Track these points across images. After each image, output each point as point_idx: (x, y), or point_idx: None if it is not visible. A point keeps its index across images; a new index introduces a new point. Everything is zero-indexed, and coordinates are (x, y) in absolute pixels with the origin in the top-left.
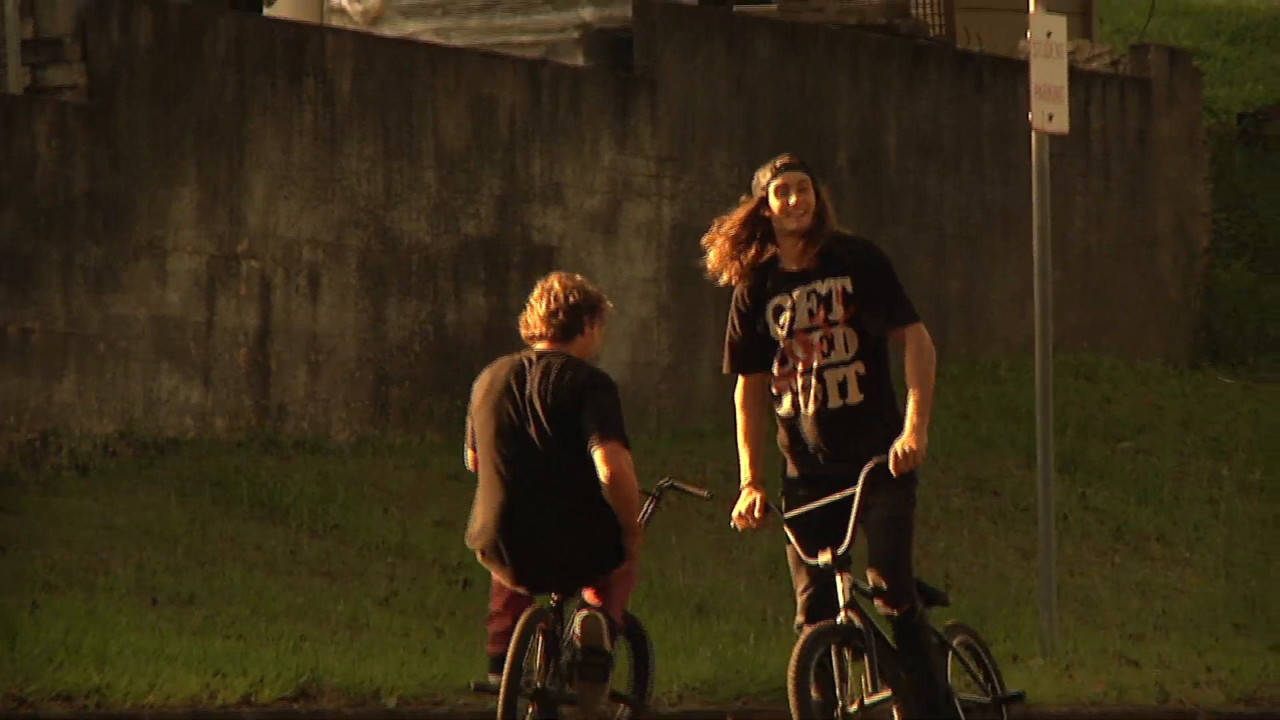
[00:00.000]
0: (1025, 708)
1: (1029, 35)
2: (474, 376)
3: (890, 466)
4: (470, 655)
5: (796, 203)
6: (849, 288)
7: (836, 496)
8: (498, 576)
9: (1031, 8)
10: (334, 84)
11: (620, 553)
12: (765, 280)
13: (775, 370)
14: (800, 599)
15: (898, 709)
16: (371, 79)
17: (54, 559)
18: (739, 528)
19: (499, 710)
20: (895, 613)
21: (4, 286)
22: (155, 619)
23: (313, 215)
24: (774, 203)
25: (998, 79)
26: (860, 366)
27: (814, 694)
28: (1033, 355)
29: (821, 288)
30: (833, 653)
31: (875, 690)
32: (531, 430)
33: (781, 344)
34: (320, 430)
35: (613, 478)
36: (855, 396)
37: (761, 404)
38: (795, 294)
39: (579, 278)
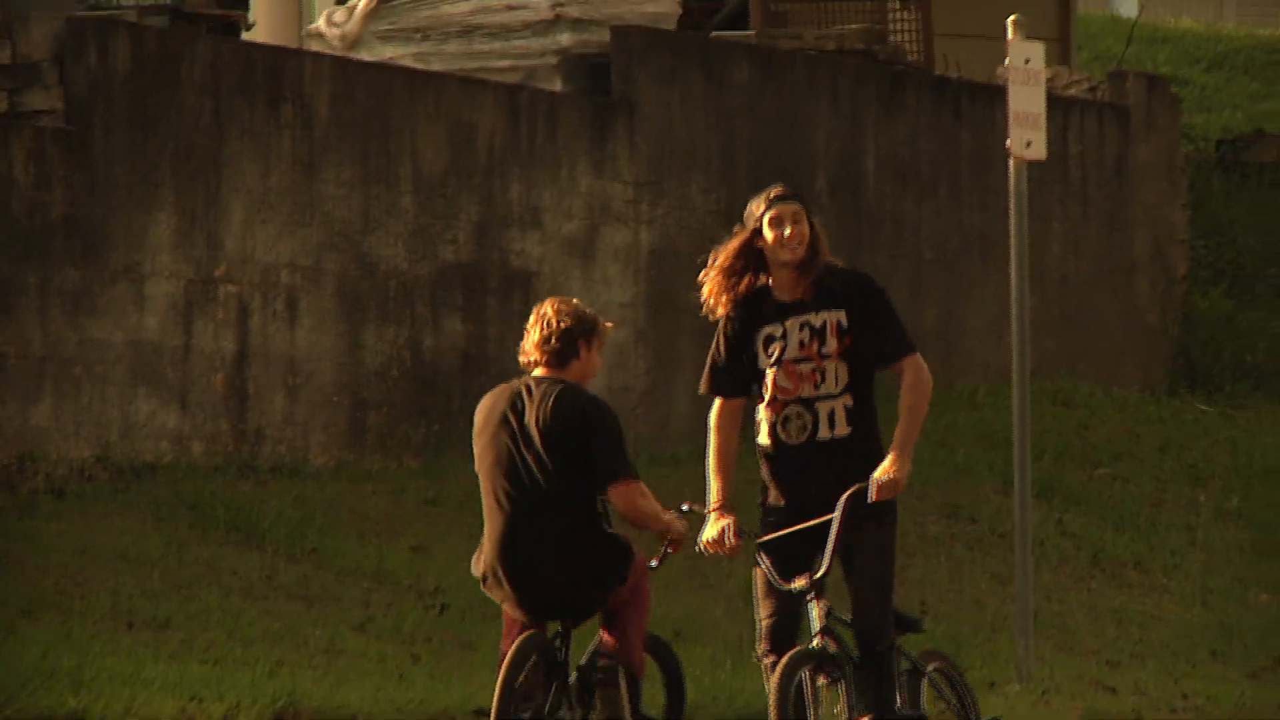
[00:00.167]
0: None
1: (1007, 62)
2: (451, 402)
3: (871, 494)
4: (446, 680)
5: (791, 234)
6: (844, 321)
7: (814, 522)
8: (503, 606)
9: (1010, 34)
10: (312, 109)
11: (623, 573)
12: (756, 309)
13: (763, 397)
14: (765, 624)
15: None
16: (350, 104)
17: (30, 582)
18: (708, 553)
19: None
20: (873, 650)
21: None
22: (132, 643)
23: (290, 240)
24: (768, 234)
25: (976, 105)
26: (849, 399)
27: None
28: (1010, 381)
29: (815, 320)
30: (805, 677)
31: (852, 716)
32: (529, 458)
33: (767, 373)
34: (297, 455)
35: (628, 517)
36: (843, 429)
37: (736, 427)
38: (788, 323)
39: (574, 301)
